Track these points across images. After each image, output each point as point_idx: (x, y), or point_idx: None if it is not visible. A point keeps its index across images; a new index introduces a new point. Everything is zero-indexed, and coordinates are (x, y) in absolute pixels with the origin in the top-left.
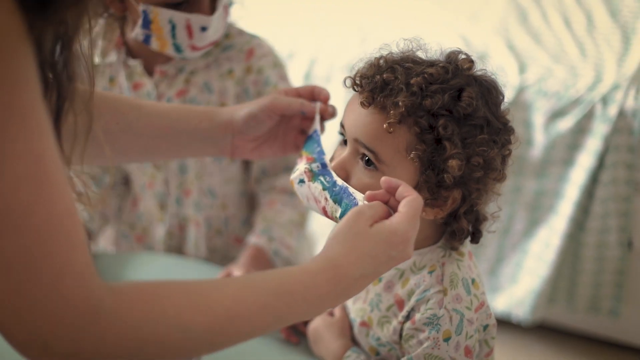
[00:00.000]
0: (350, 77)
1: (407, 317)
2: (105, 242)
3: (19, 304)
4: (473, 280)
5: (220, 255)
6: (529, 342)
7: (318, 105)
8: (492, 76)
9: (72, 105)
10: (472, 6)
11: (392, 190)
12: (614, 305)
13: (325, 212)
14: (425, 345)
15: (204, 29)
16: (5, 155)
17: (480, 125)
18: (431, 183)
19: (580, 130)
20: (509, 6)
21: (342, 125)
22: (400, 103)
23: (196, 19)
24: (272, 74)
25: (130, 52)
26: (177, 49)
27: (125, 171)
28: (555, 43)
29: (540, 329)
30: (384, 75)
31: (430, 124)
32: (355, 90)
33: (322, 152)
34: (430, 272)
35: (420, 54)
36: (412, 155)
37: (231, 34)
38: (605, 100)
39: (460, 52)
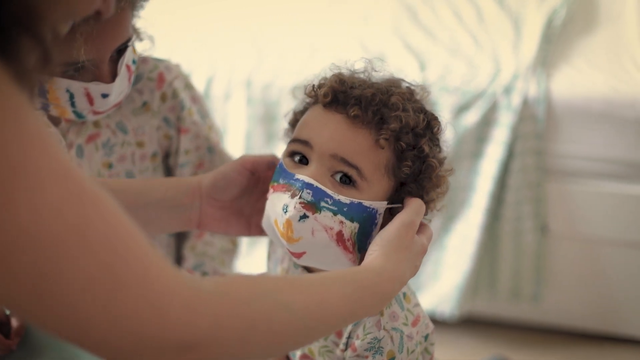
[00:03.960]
0: (314, 85)
1: (347, 345)
2: None
3: (117, 319)
4: (404, 295)
5: None
6: (454, 337)
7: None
8: None
9: None
10: (362, 8)
11: None
12: (535, 290)
13: (340, 238)
14: None
15: (105, 95)
16: (43, 182)
17: (440, 149)
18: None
19: (487, 122)
20: (397, 5)
21: (304, 143)
22: (402, 119)
23: (95, 88)
24: (185, 97)
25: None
26: (78, 115)
27: None
28: (449, 38)
29: (465, 322)
30: (366, 91)
31: (413, 143)
32: (325, 105)
33: (291, 174)
34: None
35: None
36: (403, 171)
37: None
38: (507, 90)
39: (402, 80)
